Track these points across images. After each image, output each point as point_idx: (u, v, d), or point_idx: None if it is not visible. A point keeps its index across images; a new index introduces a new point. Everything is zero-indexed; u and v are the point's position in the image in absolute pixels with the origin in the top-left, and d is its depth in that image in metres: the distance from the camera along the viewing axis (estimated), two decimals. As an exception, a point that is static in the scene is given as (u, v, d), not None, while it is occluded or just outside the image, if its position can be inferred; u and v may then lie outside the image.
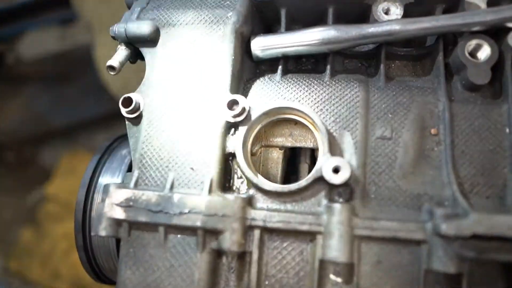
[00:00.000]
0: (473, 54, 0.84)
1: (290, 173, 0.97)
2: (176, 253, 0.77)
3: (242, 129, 0.81)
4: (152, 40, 0.90)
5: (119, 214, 0.79)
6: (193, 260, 0.76)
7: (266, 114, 0.83)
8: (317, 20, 0.93)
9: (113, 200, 0.80)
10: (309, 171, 0.97)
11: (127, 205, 0.79)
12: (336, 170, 0.75)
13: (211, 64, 0.86)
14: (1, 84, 3.68)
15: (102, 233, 0.80)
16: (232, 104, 0.80)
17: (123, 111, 0.86)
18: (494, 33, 0.84)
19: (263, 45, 0.91)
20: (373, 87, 0.87)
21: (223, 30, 0.87)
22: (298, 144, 0.90)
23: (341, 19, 0.92)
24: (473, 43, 0.84)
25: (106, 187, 0.83)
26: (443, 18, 0.84)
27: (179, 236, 0.78)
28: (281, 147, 0.91)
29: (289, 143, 0.90)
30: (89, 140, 3.64)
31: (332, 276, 0.76)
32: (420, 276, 0.72)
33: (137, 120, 0.87)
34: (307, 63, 0.97)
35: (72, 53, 3.10)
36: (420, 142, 0.81)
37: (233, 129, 0.83)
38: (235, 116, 0.80)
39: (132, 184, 0.82)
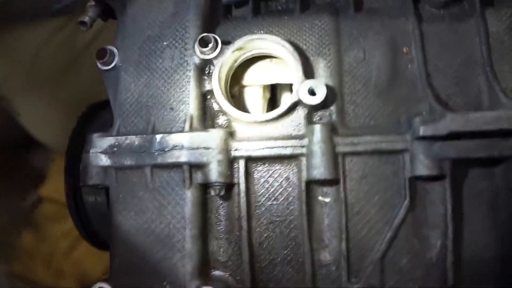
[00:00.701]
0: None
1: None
2: (164, 192, 0.78)
3: (217, 64, 0.82)
4: (120, -5, 0.90)
5: (105, 161, 0.80)
6: (181, 197, 0.77)
7: (239, 48, 0.83)
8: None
9: (97, 149, 0.80)
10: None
11: (111, 151, 0.80)
12: (312, 92, 0.76)
13: (181, 9, 0.87)
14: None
15: (90, 182, 0.81)
16: (204, 41, 0.81)
17: (99, 64, 0.86)
18: None
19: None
20: (343, 16, 0.88)
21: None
22: (275, 80, 0.90)
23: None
24: None
25: (89, 138, 0.83)
26: None
27: (165, 174, 0.78)
28: (259, 86, 0.92)
29: (266, 80, 0.91)
30: None
31: (320, 198, 0.77)
32: (405, 185, 0.74)
33: (113, 71, 0.87)
34: (278, 4, 0.98)
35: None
36: (393, 62, 0.82)
37: (208, 67, 0.84)
38: (208, 53, 0.81)
39: (114, 132, 0.82)
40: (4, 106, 1.64)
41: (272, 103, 0.96)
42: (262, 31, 0.88)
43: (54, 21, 1.39)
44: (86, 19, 0.88)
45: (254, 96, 0.92)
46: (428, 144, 0.71)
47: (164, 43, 0.85)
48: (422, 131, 0.69)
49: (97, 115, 1.10)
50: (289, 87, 0.95)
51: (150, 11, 0.88)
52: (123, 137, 0.80)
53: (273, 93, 0.96)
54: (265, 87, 0.93)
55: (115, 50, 0.87)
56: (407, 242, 0.74)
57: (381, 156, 0.75)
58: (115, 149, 0.80)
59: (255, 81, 0.91)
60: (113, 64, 0.87)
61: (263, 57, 0.90)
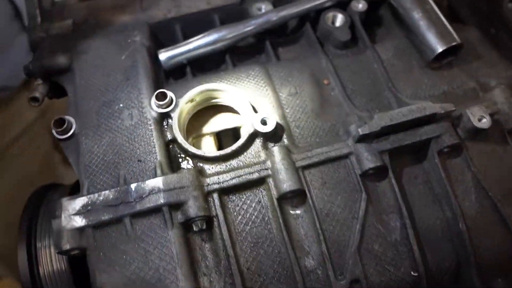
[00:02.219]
0: (333, 22, 1.09)
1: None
2: (147, 238, 0.80)
3: (175, 116, 0.90)
4: (67, 69, 0.97)
5: (79, 222, 0.79)
6: (166, 238, 0.79)
7: (191, 100, 0.94)
8: (207, 29, 1.11)
9: (70, 211, 0.80)
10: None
11: (85, 210, 0.80)
12: (264, 122, 0.88)
13: (131, 75, 0.96)
14: None
15: (65, 247, 0.79)
16: (160, 96, 0.90)
17: (56, 134, 0.89)
18: (341, 4, 1.11)
19: (169, 55, 1.05)
20: (270, 65, 1.06)
21: (132, 47, 0.99)
22: (224, 126, 1.01)
23: (226, 23, 1.11)
24: (330, 15, 1.09)
25: (57, 205, 0.82)
26: (304, 2, 1.09)
27: (145, 221, 0.80)
28: (210, 134, 1.02)
29: (216, 127, 1.01)
30: None
31: (291, 211, 0.86)
32: (358, 181, 0.87)
33: (72, 139, 0.90)
34: (210, 65, 1.12)
35: None
36: (319, 91, 1.00)
37: (166, 120, 0.92)
38: (164, 106, 0.90)
39: (85, 192, 0.83)
40: None
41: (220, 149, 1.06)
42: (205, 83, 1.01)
43: None
44: (37, 94, 0.91)
45: (208, 143, 1.01)
46: (367, 144, 0.87)
47: (121, 105, 0.92)
48: (361, 131, 0.85)
49: (46, 197, 1.07)
50: (232, 133, 1.07)
51: (101, 80, 0.96)
52: (96, 194, 0.81)
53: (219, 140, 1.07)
54: (214, 135, 1.03)
55: (71, 119, 0.91)
56: (374, 229, 0.85)
57: (333, 163, 0.88)
58: (89, 207, 0.80)
59: (207, 131, 1.01)
60: (71, 132, 0.90)
61: (211, 108, 1.02)
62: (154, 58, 1.04)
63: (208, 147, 1.00)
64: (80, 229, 0.80)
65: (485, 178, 0.89)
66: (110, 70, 0.96)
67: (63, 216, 0.80)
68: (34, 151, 1.61)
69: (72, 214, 0.80)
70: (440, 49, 0.98)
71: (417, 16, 1.04)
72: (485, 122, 0.88)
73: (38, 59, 0.95)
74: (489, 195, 0.88)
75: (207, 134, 1.01)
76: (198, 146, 1.00)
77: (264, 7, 1.11)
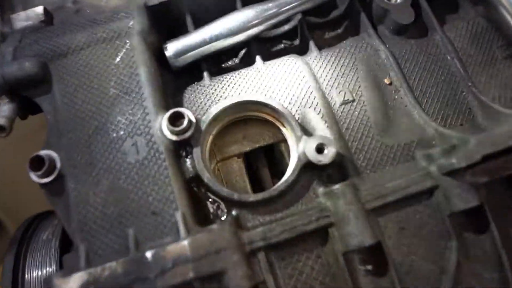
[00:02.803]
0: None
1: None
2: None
3: (197, 143, 0.66)
4: (41, 80, 0.70)
5: (79, 309, 0.57)
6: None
7: (215, 119, 0.70)
8: (227, 11, 0.83)
9: (64, 292, 0.58)
10: (271, 173, 0.86)
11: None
12: (320, 150, 0.65)
13: (129, 85, 0.70)
14: None
15: None
16: (175, 118, 0.65)
17: (35, 177, 0.64)
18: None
19: (179, 49, 0.78)
20: (310, 60, 0.80)
21: (129, 43, 0.72)
22: (256, 145, 0.78)
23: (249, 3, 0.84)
24: None
25: (46, 283, 0.60)
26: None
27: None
28: (238, 155, 0.78)
29: (246, 147, 0.78)
30: None
31: (360, 267, 0.65)
32: (446, 225, 0.66)
33: (57, 183, 0.65)
34: (229, 62, 0.87)
35: None
36: (381, 96, 0.76)
37: (183, 149, 0.68)
38: (182, 132, 0.65)
39: (82, 263, 0.60)
40: None
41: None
42: (227, 92, 0.75)
43: None
44: (3, 121, 0.65)
45: (236, 169, 0.78)
46: (459, 175, 0.65)
47: (121, 132, 0.67)
48: (456, 163, 0.62)
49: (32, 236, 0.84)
50: (264, 152, 0.84)
51: (89, 96, 0.69)
52: (99, 268, 0.58)
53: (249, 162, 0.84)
54: (243, 157, 0.80)
55: (53, 155, 0.66)
56: (467, 285, 0.65)
57: (412, 201, 0.66)
58: (92, 286, 0.58)
59: (233, 151, 0.77)
60: (55, 175, 0.65)
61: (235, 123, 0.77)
62: (159, 55, 0.78)
63: (238, 174, 0.78)
64: (81, 319, 0.58)
65: None
66: (100, 80, 0.69)
67: (56, 303, 0.58)
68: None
69: (69, 299, 0.58)
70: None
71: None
72: None
73: (-2, 70, 0.68)
74: None
75: (234, 156, 0.78)
76: (225, 173, 0.77)
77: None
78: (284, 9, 0.80)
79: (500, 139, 0.64)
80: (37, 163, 0.64)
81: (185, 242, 0.59)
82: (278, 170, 0.90)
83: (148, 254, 0.59)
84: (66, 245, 0.84)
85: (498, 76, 0.79)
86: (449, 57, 0.80)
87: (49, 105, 0.70)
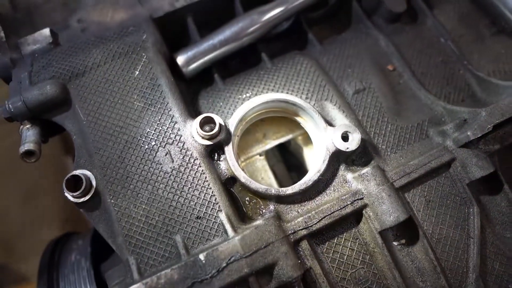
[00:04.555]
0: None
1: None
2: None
3: (229, 145, 0.68)
4: (62, 101, 0.70)
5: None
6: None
7: (242, 119, 0.72)
8: (226, 20, 0.85)
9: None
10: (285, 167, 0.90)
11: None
12: (345, 138, 0.69)
13: (153, 96, 0.71)
14: None
15: None
16: (204, 123, 0.67)
17: (71, 197, 0.64)
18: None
19: (189, 58, 0.80)
20: (315, 54, 0.84)
21: (146, 56, 0.73)
22: (276, 142, 0.81)
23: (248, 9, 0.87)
24: None
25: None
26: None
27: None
28: (261, 153, 0.81)
29: (267, 145, 0.81)
30: None
31: (394, 242, 0.70)
32: (467, 193, 0.71)
33: (94, 200, 0.66)
34: (235, 64, 0.89)
35: None
36: (387, 81, 0.81)
37: (215, 152, 0.70)
38: (214, 136, 0.67)
39: (136, 275, 0.61)
40: None
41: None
42: (244, 93, 0.78)
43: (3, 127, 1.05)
44: (32, 146, 0.64)
45: (260, 167, 0.80)
46: (473, 146, 0.70)
47: (152, 143, 0.68)
48: (471, 135, 0.68)
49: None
50: (278, 149, 0.87)
51: (114, 112, 0.70)
52: (154, 277, 0.59)
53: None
54: (265, 154, 0.82)
55: (88, 173, 0.66)
56: (492, 246, 0.71)
57: (434, 175, 0.71)
58: (147, 296, 0.59)
59: (256, 150, 0.80)
60: (91, 193, 0.65)
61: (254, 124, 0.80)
62: (170, 65, 0.79)
63: (263, 171, 0.80)
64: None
65: None
66: (123, 95, 0.70)
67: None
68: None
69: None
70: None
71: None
72: None
73: (18, 95, 0.67)
74: None
75: (257, 155, 0.80)
76: (250, 172, 0.80)
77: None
78: (285, 9, 0.83)
79: (507, 108, 0.70)
80: (73, 183, 0.64)
81: (235, 241, 0.61)
82: (291, 164, 0.93)
83: (201, 257, 0.60)
84: (96, 263, 0.83)
85: (489, 52, 0.86)
86: (442, 39, 0.86)
87: (73, 125, 0.69)
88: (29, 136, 0.67)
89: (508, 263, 0.72)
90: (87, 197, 0.65)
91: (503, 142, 0.71)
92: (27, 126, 0.68)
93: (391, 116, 0.77)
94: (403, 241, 0.70)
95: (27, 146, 0.64)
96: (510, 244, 0.73)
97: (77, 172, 0.65)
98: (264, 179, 0.80)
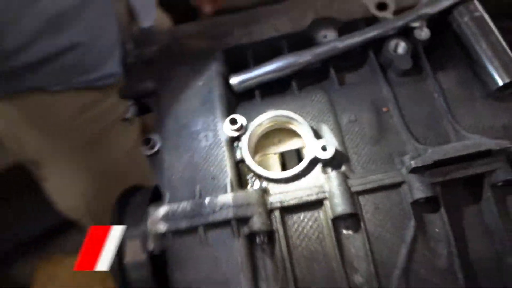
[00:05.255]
0: (395, 50, 1.14)
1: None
2: (217, 246, 0.93)
3: (244, 139, 1.03)
4: (154, 92, 1.13)
5: (162, 227, 0.95)
6: (233, 247, 0.92)
7: (259, 124, 1.05)
8: (276, 54, 1.20)
9: (154, 218, 0.96)
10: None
11: (166, 218, 0.95)
12: (324, 149, 0.98)
13: (207, 100, 1.10)
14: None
15: (150, 247, 0.95)
16: (232, 121, 1.02)
17: (144, 149, 1.05)
18: (405, 32, 1.15)
19: (240, 80, 1.17)
20: (332, 91, 1.14)
21: (209, 73, 1.13)
22: (287, 148, 1.12)
23: (293, 49, 1.20)
24: (393, 42, 1.14)
25: (143, 209, 0.99)
26: (369, 30, 1.15)
27: (216, 231, 0.94)
28: (275, 153, 1.13)
29: (280, 148, 1.12)
30: (63, 242, 3.56)
31: (344, 231, 0.95)
32: (409, 209, 0.93)
33: (156, 156, 1.06)
34: (277, 88, 1.23)
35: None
36: (378, 119, 1.06)
37: (236, 142, 1.04)
38: (236, 130, 1.02)
39: (166, 202, 0.99)
40: (34, 171, 1.73)
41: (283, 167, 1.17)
42: (271, 109, 1.11)
43: (89, 95, 1.49)
44: (130, 116, 1.08)
45: (273, 162, 1.12)
46: (419, 174, 0.93)
47: (198, 127, 1.06)
48: (413, 164, 0.91)
49: (132, 198, 1.25)
50: (296, 154, 1.17)
51: (181, 105, 1.11)
52: (176, 205, 0.96)
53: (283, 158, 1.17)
54: (279, 154, 1.14)
55: (156, 138, 1.07)
56: (421, 255, 0.91)
57: (386, 190, 0.95)
58: (170, 216, 0.95)
59: (271, 151, 1.12)
60: (156, 149, 1.06)
61: (277, 129, 1.12)
62: (227, 82, 1.17)
63: (273, 165, 1.12)
64: (162, 234, 0.95)
65: (539, 215, 0.91)
66: (189, 96, 1.11)
67: (149, 221, 0.96)
68: (120, 144, 1.77)
69: (156, 220, 0.96)
70: (500, 82, 1.00)
71: (481, 45, 1.06)
72: (543, 161, 0.90)
73: (130, 84, 1.13)
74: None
75: (273, 153, 1.13)
76: (264, 164, 1.12)
77: (329, 34, 1.19)
78: (317, 55, 1.15)
79: (450, 150, 0.91)
80: (146, 142, 1.05)
81: (229, 195, 0.95)
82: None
83: (206, 200, 0.95)
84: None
85: (474, 111, 1.05)
86: (436, 95, 1.08)
87: (156, 108, 1.12)
88: (130, 109, 1.11)
89: (434, 272, 0.91)
90: (153, 152, 1.06)
91: (446, 176, 0.92)
92: (131, 103, 1.13)
93: (370, 142, 1.02)
94: (350, 232, 0.95)
95: (127, 115, 1.09)
96: (440, 257, 0.91)
97: (151, 135, 1.06)
98: (273, 169, 1.11)
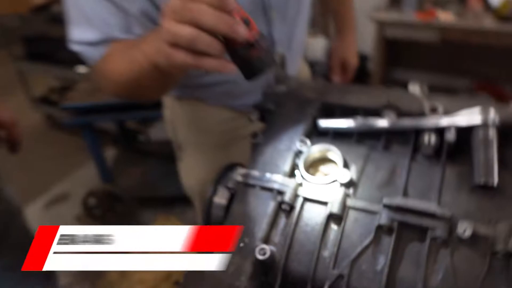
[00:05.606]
0: (427, 140, 1.65)
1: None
2: (261, 200, 1.63)
3: (304, 154, 1.71)
4: (272, 111, 1.91)
5: (239, 178, 1.70)
6: (268, 205, 1.60)
7: (315, 149, 1.72)
8: (353, 115, 1.84)
9: (236, 174, 1.72)
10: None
11: (243, 176, 1.70)
12: (344, 175, 1.58)
13: (297, 126, 1.82)
14: (133, 154, 5.13)
15: (228, 185, 1.71)
16: (302, 141, 1.72)
17: (251, 139, 1.84)
18: (439, 130, 1.65)
19: (323, 125, 1.84)
20: (374, 150, 1.72)
21: (306, 112, 1.85)
22: (325, 167, 1.74)
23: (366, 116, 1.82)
24: (428, 134, 1.65)
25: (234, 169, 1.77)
26: (417, 121, 1.69)
27: (264, 192, 1.64)
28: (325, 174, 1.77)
29: (322, 167, 1.76)
30: (181, 213, 4.58)
31: (331, 224, 1.54)
32: (373, 228, 1.45)
33: (256, 145, 1.83)
34: (344, 134, 1.86)
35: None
36: (390, 175, 1.60)
37: (300, 154, 1.73)
38: (301, 147, 1.71)
39: (248, 169, 1.74)
40: (177, 150, 2.24)
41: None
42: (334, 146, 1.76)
43: (231, 113, 2.01)
44: (254, 118, 1.89)
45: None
46: (388, 210, 1.45)
47: (284, 139, 1.79)
48: (384, 201, 1.45)
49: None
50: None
51: (282, 122, 1.85)
52: (250, 171, 1.70)
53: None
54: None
55: (260, 136, 1.84)
56: (367, 258, 1.43)
57: (366, 212, 1.50)
58: (245, 175, 1.70)
59: (317, 165, 1.77)
60: (257, 141, 1.83)
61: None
62: (315, 121, 1.86)
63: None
64: (237, 183, 1.71)
65: (454, 272, 1.33)
66: (289, 118, 1.84)
67: (234, 176, 1.73)
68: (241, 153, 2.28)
69: (238, 176, 1.71)
70: (477, 182, 1.44)
71: (479, 152, 1.51)
72: (468, 235, 1.32)
73: (264, 103, 1.93)
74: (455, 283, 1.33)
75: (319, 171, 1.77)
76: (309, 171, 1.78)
77: (392, 115, 1.77)
78: (382, 126, 1.74)
79: (409, 203, 1.41)
80: (254, 135, 1.83)
81: (280, 177, 1.64)
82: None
83: (267, 175, 1.67)
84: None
85: (456, 195, 1.50)
86: (438, 176, 1.56)
87: (268, 120, 1.89)
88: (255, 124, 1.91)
89: (369, 273, 1.41)
90: (255, 141, 1.83)
91: (403, 218, 1.42)
92: (256, 117, 1.93)
93: (375, 184, 1.56)
94: (334, 226, 1.52)
95: (256, 130, 1.89)
96: (376, 265, 1.41)
97: (258, 132, 1.84)
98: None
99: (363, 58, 5.82)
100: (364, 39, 5.67)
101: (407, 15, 4.47)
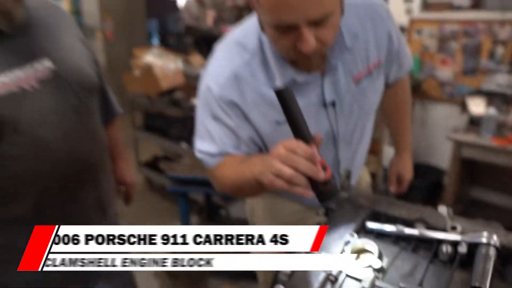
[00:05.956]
0: (444, 249, 2.22)
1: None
2: (316, 271, 2.29)
3: (350, 243, 2.36)
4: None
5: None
6: (320, 274, 2.26)
7: (358, 242, 2.37)
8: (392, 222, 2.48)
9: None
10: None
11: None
12: (376, 263, 2.20)
13: (348, 227, 2.50)
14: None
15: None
16: (351, 234, 2.39)
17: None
18: (455, 243, 2.21)
19: (372, 226, 2.50)
20: (404, 251, 2.32)
21: (357, 215, 2.53)
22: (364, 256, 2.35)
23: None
24: (445, 245, 2.22)
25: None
26: (440, 234, 2.29)
27: (318, 265, 2.30)
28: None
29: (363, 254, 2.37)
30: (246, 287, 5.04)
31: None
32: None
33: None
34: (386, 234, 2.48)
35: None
36: (412, 271, 2.19)
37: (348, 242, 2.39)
38: (349, 238, 2.38)
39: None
40: None
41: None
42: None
43: (303, 207, 2.42)
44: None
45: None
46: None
47: (337, 235, 2.47)
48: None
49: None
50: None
51: (339, 223, 2.55)
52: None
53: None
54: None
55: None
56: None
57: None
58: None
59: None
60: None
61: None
62: (364, 222, 2.52)
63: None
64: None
65: None
66: (345, 220, 2.53)
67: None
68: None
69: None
70: (473, 284, 1.97)
71: (479, 262, 2.03)
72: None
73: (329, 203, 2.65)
74: None
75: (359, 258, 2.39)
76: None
77: (421, 227, 2.37)
78: (412, 235, 2.36)
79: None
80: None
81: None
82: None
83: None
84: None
85: (439, 277, 2.03)
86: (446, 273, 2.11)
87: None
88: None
89: None
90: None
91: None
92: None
93: (399, 276, 2.16)
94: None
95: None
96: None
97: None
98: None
99: (439, 173, 5.92)
100: (441, 155, 5.93)
101: (484, 139, 4.73)
